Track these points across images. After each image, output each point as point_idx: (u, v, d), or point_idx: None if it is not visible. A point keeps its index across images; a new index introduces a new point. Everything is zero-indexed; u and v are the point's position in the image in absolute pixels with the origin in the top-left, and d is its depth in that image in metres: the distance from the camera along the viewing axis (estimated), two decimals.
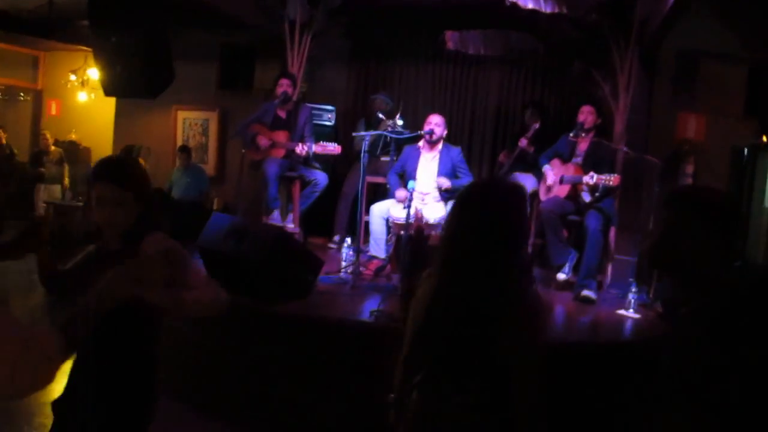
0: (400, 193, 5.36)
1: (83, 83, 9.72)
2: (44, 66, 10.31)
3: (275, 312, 4.04)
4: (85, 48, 8.95)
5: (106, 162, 2.08)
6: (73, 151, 9.69)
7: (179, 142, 8.16)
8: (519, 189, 1.92)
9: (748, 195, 7.94)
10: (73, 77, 9.73)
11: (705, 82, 6.30)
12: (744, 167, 7.68)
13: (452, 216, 1.92)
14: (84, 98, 9.85)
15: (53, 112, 10.34)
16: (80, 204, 7.52)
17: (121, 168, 2.07)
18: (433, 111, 6.77)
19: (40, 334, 1.45)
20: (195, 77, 7.69)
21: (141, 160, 8.10)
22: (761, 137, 6.22)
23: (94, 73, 9.38)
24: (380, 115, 6.20)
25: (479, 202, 1.86)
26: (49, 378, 1.43)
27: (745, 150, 7.44)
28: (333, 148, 5.62)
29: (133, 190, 2.02)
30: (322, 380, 3.88)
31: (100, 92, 9.32)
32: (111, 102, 8.91)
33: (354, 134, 5.81)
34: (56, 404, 2.03)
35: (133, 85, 5.99)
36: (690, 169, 6.31)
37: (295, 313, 4.06)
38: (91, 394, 1.94)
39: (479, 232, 1.80)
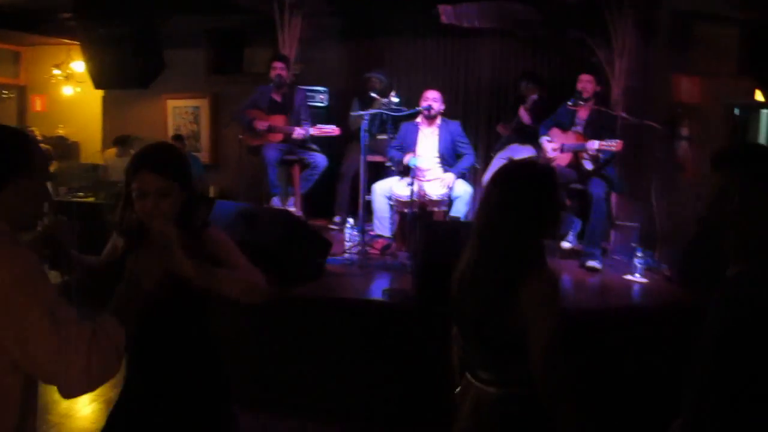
0: (408, 157, 5.30)
1: (68, 77, 9.57)
2: (26, 61, 10.14)
3: (289, 296, 4.03)
4: (68, 41, 8.81)
5: (146, 150, 1.92)
6: (62, 147, 9.55)
7: (170, 132, 8.08)
8: (547, 172, 1.94)
9: None
10: (56, 71, 9.58)
11: (698, 43, 6.29)
12: (736, 127, 7.75)
13: (484, 193, 1.96)
14: (69, 92, 9.71)
15: (38, 107, 10.18)
16: (78, 199, 7.43)
17: (164, 155, 1.92)
18: (426, 86, 6.73)
19: (105, 323, 1.48)
20: (183, 64, 7.57)
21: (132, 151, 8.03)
22: (754, 97, 6.24)
23: (78, 66, 9.25)
24: (373, 94, 6.15)
25: (508, 181, 1.89)
26: (118, 365, 1.48)
27: (736, 110, 7.50)
28: (331, 130, 5.59)
29: (178, 180, 1.89)
30: (340, 361, 3.90)
31: (85, 85, 9.29)
32: (97, 95, 8.79)
33: (352, 114, 5.76)
34: (123, 393, 2.00)
35: (123, 75, 5.91)
36: (686, 131, 6.33)
37: (309, 296, 4.06)
38: (151, 384, 1.93)
39: (505, 209, 1.84)
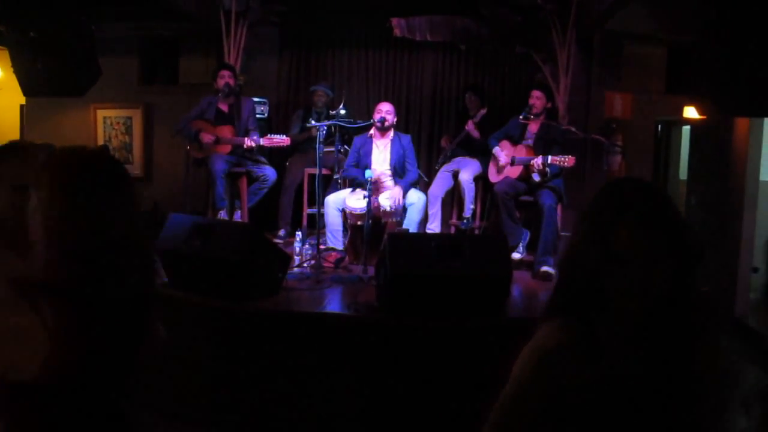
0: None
1: None
2: None
3: (251, 311, 3.90)
4: None
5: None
6: None
7: (100, 143, 7.72)
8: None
9: (665, 168, 8.50)
10: None
11: (629, 62, 6.63)
12: (659, 142, 8.20)
13: None
14: None
15: None
16: None
17: (29, 147, 1.66)
18: (368, 98, 6.76)
19: None
20: (114, 73, 7.20)
21: None
22: (680, 114, 6.61)
23: None
24: (320, 107, 6.10)
25: None
26: None
27: (659, 126, 7.94)
28: (281, 140, 5.50)
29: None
30: (306, 377, 3.80)
31: (2, 93, 8.74)
32: (15, 103, 8.30)
33: (309, 125, 5.68)
34: None
35: (57, 83, 5.60)
36: (620, 145, 6.62)
37: (271, 311, 3.95)
38: None
39: None
